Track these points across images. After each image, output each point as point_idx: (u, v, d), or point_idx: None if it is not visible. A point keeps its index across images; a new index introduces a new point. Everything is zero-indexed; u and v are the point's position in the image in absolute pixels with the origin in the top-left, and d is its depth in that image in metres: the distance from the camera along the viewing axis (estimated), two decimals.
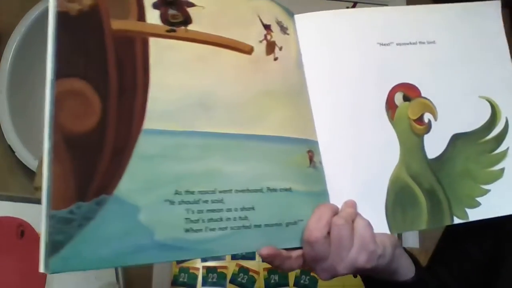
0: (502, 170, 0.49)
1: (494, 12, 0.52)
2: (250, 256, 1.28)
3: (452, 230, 0.56)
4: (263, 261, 0.38)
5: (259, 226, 0.37)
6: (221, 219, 0.35)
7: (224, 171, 0.36)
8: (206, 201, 0.34)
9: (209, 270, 1.25)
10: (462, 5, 0.53)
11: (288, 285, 1.27)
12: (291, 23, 0.46)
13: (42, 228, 0.28)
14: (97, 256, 0.30)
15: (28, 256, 0.71)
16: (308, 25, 0.48)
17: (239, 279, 1.26)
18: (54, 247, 0.28)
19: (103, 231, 0.30)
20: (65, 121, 0.29)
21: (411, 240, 1.33)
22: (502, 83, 0.51)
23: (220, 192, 0.35)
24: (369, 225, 0.41)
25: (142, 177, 0.32)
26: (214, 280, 1.25)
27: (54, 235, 0.28)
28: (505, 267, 0.48)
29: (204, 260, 1.26)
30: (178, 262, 1.26)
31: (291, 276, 1.28)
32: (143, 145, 0.32)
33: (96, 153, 0.30)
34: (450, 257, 0.55)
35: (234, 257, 1.27)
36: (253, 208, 0.37)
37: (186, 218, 0.33)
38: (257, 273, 1.27)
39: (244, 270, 1.27)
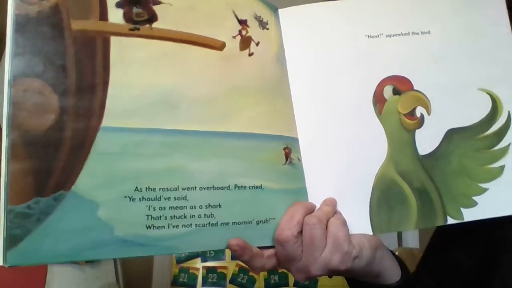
0: (502, 167, 0.46)
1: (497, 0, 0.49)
2: None
3: (440, 236, 0.54)
4: (232, 258, 0.38)
5: (227, 223, 0.37)
6: (184, 216, 0.35)
7: (188, 168, 0.36)
8: (168, 198, 0.35)
9: (209, 270, 1.26)
10: None
11: (288, 285, 1.26)
12: (273, 18, 0.45)
13: (0, 223, 0.30)
14: (55, 250, 0.31)
15: None
16: (292, 19, 0.47)
17: (239, 279, 1.26)
18: (12, 241, 0.29)
19: (61, 226, 0.31)
20: (23, 120, 0.30)
21: (411, 240, 1.28)
22: (506, 74, 0.47)
23: (184, 189, 0.35)
24: (343, 224, 0.39)
25: (100, 174, 0.32)
26: (214, 280, 1.25)
27: (12, 229, 0.29)
28: (496, 274, 0.45)
29: (204, 260, 1.27)
30: (178, 262, 1.27)
31: (291, 276, 1.27)
32: (101, 142, 0.32)
33: (54, 150, 0.31)
34: (438, 263, 0.52)
35: (234, 257, 1.27)
36: (219, 206, 0.37)
37: (147, 215, 0.34)
38: (257, 273, 1.26)
39: (244, 270, 1.26)
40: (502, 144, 0.46)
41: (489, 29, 0.48)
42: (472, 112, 0.47)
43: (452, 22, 0.48)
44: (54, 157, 0.31)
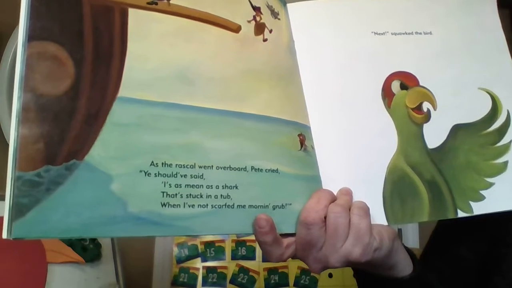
0: (506, 163, 0.46)
1: (490, 6, 0.51)
2: (251, 256, 1.26)
3: (443, 233, 0.53)
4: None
5: (243, 206, 0.35)
6: (201, 196, 0.33)
7: (204, 146, 0.34)
8: (184, 175, 0.33)
9: (209, 270, 1.24)
10: None
11: (288, 285, 1.25)
12: (283, 10, 0.46)
13: (7, 191, 0.27)
14: (64, 224, 0.28)
15: (28, 256, 0.70)
16: (301, 14, 0.47)
17: (239, 279, 1.24)
18: (18, 211, 0.27)
19: (72, 198, 0.29)
20: (36, 83, 0.29)
21: (411, 240, 1.27)
22: (502, 76, 0.49)
23: (200, 167, 0.34)
24: (366, 214, 0.38)
25: (115, 145, 0.30)
26: (214, 280, 1.24)
27: (19, 197, 0.27)
28: (498, 269, 0.45)
29: (204, 260, 1.24)
30: (178, 262, 1.24)
31: (291, 276, 1.25)
32: (118, 113, 0.31)
33: (68, 117, 0.29)
34: (441, 259, 0.51)
35: (234, 257, 1.25)
36: (236, 187, 0.35)
37: (163, 192, 0.32)
38: (257, 273, 1.25)
39: (244, 270, 1.25)
40: (504, 141, 0.47)
41: (484, 33, 0.51)
42: (474, 109, 0.48)
43: (451, 25, 0.50)
44: (68, 124, 0.29)
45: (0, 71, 1.03)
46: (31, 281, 0.72)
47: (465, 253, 0.50)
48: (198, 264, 1.25)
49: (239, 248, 1.27)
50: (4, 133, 1.04)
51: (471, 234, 0.50)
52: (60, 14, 0.30)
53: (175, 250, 1.26)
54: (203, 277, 1.24)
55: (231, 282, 1.24)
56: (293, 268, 1.27)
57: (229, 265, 1.25)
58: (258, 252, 1.27)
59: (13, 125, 0.28)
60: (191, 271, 1.25)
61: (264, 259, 1.28)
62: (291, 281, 1.25)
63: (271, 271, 1.26)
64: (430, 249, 0.54)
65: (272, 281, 1.25)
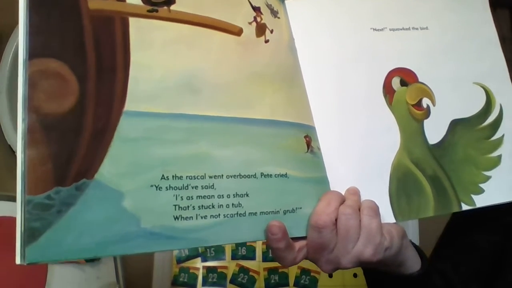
0: (499, 157, 0.48)
1: (481, 2, 0.52)
2: (251, 256, 1.27)
3: (457, 224, 0.54)
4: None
5: (255, 214, 0.35)
6: (213, 206, 0.33)
7: (213, 155, 0.34)
8: (195, 187, 0.32)
9: (209, 270, 1.25)
10: None
11: (288, 285, 1.26)
12: (282, 8, 0.45)
13: (17, 216, 0.27)
14: (78, 245, 0.28)
15: None
16: (300, 11, 0.46)
17: (239, 279, 1.25)
18: (31, 235, 0.26)
19: (84, 218, 0.28)
20: (40, 102, 0.28)
21: (411, 238, 1.29)
22: (494, 71, 0.50)
23: (211, 177, 0.33)
24: (376, 214, 0.38)
25: (125, 161, 0.30)
26: (214, 280, 1.24)
27: (31, 221, 0.26)
28: (509, 260, 0.46)
29: (204, 260, 1.25)
30: (178, 262, 1.25)
31: (291, 276, 1.27)
32: (125, 127, 0.30)
33: (75, 135, 0.28)
34: (456, 250, 0.52)
35: (234, 257, 1.26)
36: (247, 195, 0.35)
37: (175, 205, 0.31)
38: (257, 273, 1.26)
39: (244, 270, 1.26)
40: (497, 135, 0.48)
41: (477, 28, 0.51)
42: (470, 104, 0.49)
43: (445, 21, 0.51)
44: (75, 143, 0.28)
45: (0, 71, 1.00)
46: (31, 281, 0.71)
47: (479, 242, 0.51)
48: (198, 264, 1.26)
49: (239, 248, 1.28)
50: (4, 133, 1.02)
51: (483, 225, 0.51)
52: (60, 29, 0.29)
53: (175, 250, 1.26)
54: (203, 277, 1.25)
55: (231, 282, 1.25)
56: (293, 268, 1.28)
57: (229, 265, 1.25)
58: (258, 252, 1.27)
59: (19, 148, 0.27)
60: (191, 271, 1.25)
61: (264, 259, 1.28)
62: (291, 281, 1.27)
63: (271, 271, 1.27)
64: (444, 240, 0.55)
65: (272, 281, 1.26)
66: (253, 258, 1.26)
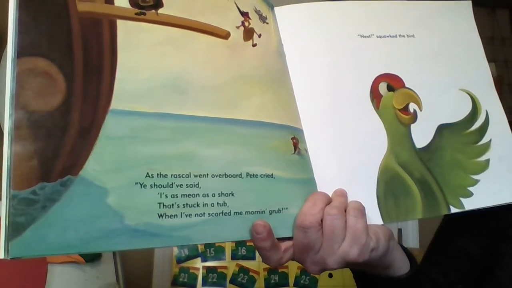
0: (487, 161, 0.48)
1: (466, 11, 0.54)
2: (251, 256, 1.26)
3: (446, 229, 0.55)
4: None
5: (240, 213, 0.35)
6: (197, 205, 0.33)
7: (199, 154, 0.34)
8: (180, 185, 0.33)
9: (209, 270, 1.24)
10: (436, 3, 0.54)
11: (288, 285, 1.25)
12: (271, 14, 0.46)
13: (2, 210, 0.27)
14: (62, 240, 0.28)
15: None
16: (289, 17, 0.47)
17: (239, 279, 1.24)
18: (15, 230, 0.27)
19: (69, 214, 0.28)
20: (28, 100, 0.28)
21: (411, 240, 1.29)
22: (478, 78, 0.52)
23: (196, 176, 0.34)
24: (362, 215, 0.39)
25: (110, 158, 0.30)
26: (214, 280, 1.24)
27: (15, 216, 0.27)
28: (500, 263, 0.46)
29: (204, 260, 1.25)
30: (178, 262, 1.24)
31: (291, 276, 1.26)
32: (110, 126, 0.31)
33: (61, 133, 0.29)
34: (445, 253, 0.53)
35: (234, 257, 1.25)
36: (232, 194, 0.35)
37: (159, 203, 0.32)
38: (257, 273, 1.25)
39: (244, 270, 1.25)
40: (484, 140, 0.49)
41: (462, 36, 0.53)
42: (457, 110, 0.50)
43: (431, 29, 0.53)
44: (61, 140, 0.29)
45: (0, 71, 1.02)
46: (31, 281, 0.71)
47: (467, 246, 0.51)
48: (198, 264, 1.25)
49: (239, 248, 1.27)
50: (4, 133, 1.03)
51: (471, 228, 0.51)
52: (49, 29, 0.30)
53: (175, 250, 1.26)
54: (203, 277, 1.24)
55: (231, 282, 1.24)
56: (293, 268, 1.27)
57: (229, 265, 1.25)
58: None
59: (6, 143, 0.27)
60: (191, 271, 1.25)
61: None
62: (291, 281, 1.26)
63: (271, 271, 1.26)
64: (434, 244, 0.55)
65: (272, 281, 1.25)
66: (253, 258, 1.26)
